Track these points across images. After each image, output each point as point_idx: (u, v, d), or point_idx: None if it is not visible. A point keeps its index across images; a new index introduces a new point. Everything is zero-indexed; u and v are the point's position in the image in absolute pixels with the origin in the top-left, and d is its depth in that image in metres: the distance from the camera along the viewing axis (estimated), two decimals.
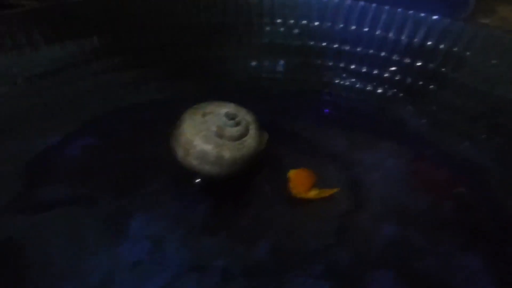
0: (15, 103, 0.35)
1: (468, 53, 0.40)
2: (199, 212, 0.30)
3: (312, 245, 0.28)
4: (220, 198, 0.31)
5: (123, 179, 0.32)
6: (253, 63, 0.43)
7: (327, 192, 0.31)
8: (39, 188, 0.31)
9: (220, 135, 0.29)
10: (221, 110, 0.30)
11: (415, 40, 0.41)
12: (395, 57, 0.42)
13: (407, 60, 0.41)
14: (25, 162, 0.32)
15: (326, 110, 0.41)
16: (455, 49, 0.40)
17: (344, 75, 0.43)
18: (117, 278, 0.25)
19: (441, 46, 0.40)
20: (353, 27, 0.43)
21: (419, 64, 0.41)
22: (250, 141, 0.30)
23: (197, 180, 0.31)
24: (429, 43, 0.41)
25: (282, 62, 0.43)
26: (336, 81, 0.43)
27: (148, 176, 0.32)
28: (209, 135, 0.29)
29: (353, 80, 0.43)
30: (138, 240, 0.28)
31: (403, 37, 0.42)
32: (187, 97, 0.32)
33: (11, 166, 0.32)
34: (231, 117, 0.30)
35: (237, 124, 0.30)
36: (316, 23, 0.43)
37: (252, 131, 0.31)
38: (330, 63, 0.43)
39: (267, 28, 0.43)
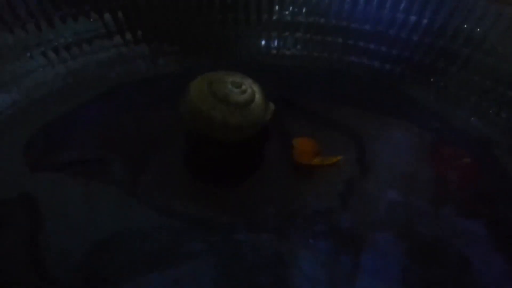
0: (40, 72, 0.36)
1: (478, 29, 0.39)
2: (208, 176, 0.31)
3: (316, 207, 0.29)
4: (228, 162, 0.32)
5: (135, 146, 0.33)
6: (263, 40, 0.44)
7: (331, 160, 0.32)
8: (56, 151, 0.32)
9: (226, 102, 0.30)
10: (228, 78, 0.31)
11: (424, 17, 0.41)
12: (403, 35, 0.42)
13: (416, 38, 0.41)
14: (46, 127, 0.34)
15: (336, 86, 0.41)
16: (465, 25, 0.40)
17: (352, 52, 0.43)
18: (126, 236, 0.27)
19: (451, 23, 0.40)
20: (362, 5, 0.43)
21: (428, 41, 0.41)
22: (256, 108, 0.31)
23: (205, 146, 0.32)
24: (438, 20, 0.41)
25: (291, 39, 0.44)
26: (345, 58, 0.43)
27: (159, 142, 0.33)
28: (215, 102, 0.30)
29: (362, 57, 0.43)
30: (147, 201, 0.29)
31: (411, 15, 0.42)
32: (200, 71, 0.33)
33: (35, 129, 0.33)
34: (237, 85, 0.31)
35: (243, 92, 0.31)
36: (325, 1, 0.43)
37: (258, 99, 0.31)
38: (339, 40, 0.43)
39: (277, 7, 0.44)
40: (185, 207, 0.28)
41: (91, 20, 0.39)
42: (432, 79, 0.40)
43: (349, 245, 0.26)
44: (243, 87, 0.31)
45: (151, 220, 0.27)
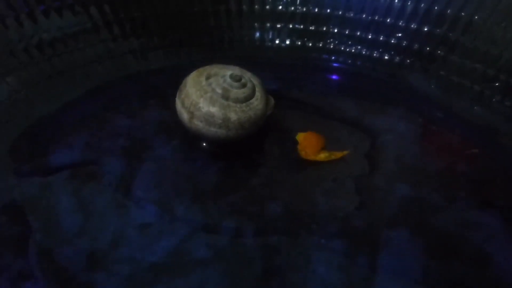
0: (25, 70, 0.34)
1: (476, 17, 0.38)
2: (209, 175, 0.29)
3: (326, 205, 0.27)
4: (229, 160, 0.30)
5: (130, 143, 0.31)
6: (257, 32, 0.42)
7: (338, 155, 0.30)
8: (47, 153, 0.30)
9: (225, 97, 0.28)
10: (226, 72, 0.29)
11: (422, 5, 0.40)
12: (401, 23, 0.41)
13: (414, 26, 0.40)
14: (33, 128, 0.32)
15: (334, 77, 0.40)
16: (463, 13, 0.39)
17: (349, 42, 0.42)
18: (126, 240, 0.25)
19: (449, 11, 0.39)
20: None
21: (426, 29, 0.40)
22: (257, 103, 0.29)
23: (204, 144, 0.30)
24: (435, 8, 0.40)
25: (286, 30, 0.42)
26: (342, 49, 0.42)
27: (155, 140, 0.31)
28: (215, 97, 0.28)
29: (359, 47, 0.42)
30: (145, 203, 0.27)
31: (409, 2, 0.40)
32: (194, 65, 0.31)
33: (19, 131, 0.31)
34: (236, 78, 0.29)
35: (243, 86, 0.29)
36: None
37: (258, 93, 0.30)
38: (335, 30, 0.42)
39: None
40: (187, 211, 0.26)
41: (76, 14, 0.36)
42: (432, 68, 0.39)
43: (364, 245, 0.25)
44: (243, 80, 0.29)
45: (152, 227, 0.25)
